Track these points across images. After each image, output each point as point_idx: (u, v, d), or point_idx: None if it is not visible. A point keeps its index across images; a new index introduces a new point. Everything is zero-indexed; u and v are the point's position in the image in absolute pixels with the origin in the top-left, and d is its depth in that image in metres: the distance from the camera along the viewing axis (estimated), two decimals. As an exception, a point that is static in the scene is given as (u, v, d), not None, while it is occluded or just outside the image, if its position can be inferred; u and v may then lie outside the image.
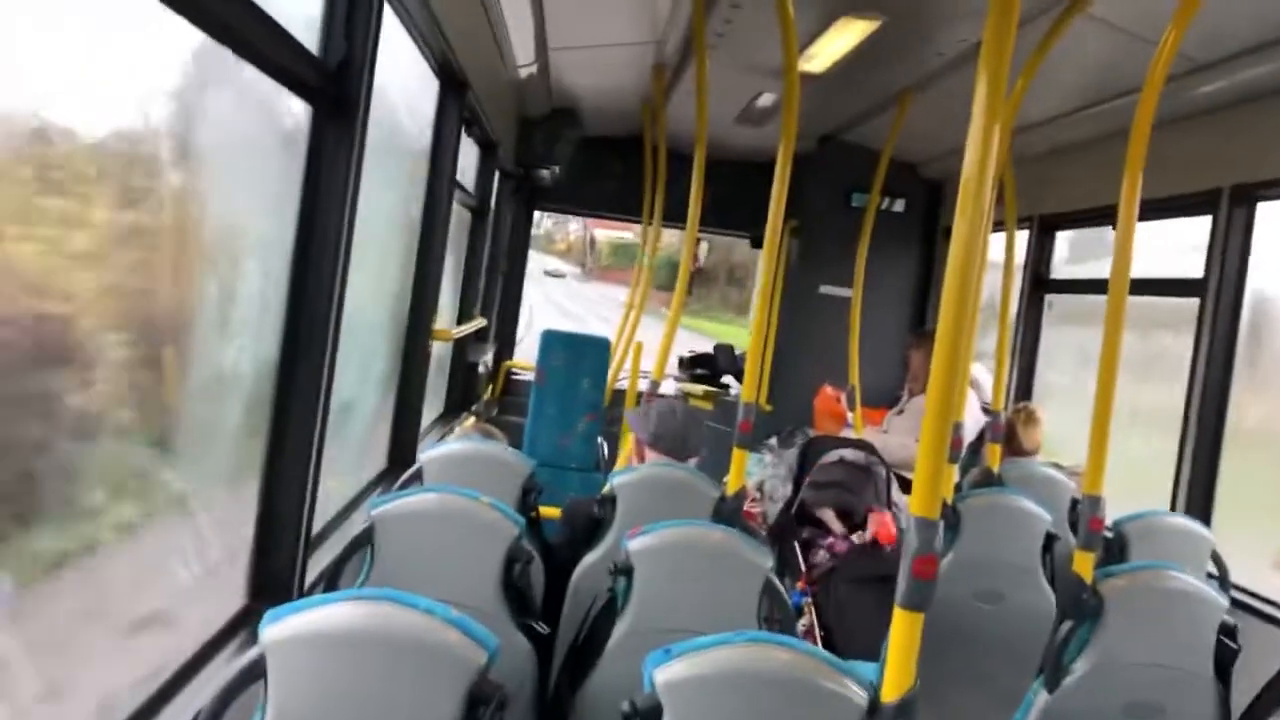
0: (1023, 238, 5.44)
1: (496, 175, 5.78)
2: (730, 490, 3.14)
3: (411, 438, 3.88)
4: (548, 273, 39.90)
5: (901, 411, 5.40)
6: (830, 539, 4.22)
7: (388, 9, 2.41)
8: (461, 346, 5.52)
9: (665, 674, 1.65)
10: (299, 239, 2.24)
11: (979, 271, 3.65)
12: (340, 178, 2.24)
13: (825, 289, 6.83)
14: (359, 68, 2.25)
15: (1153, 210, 3.35)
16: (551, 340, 5.58)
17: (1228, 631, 2.54)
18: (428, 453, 3.08)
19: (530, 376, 5.98)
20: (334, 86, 2.22)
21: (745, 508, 3.90)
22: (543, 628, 2.42)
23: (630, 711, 1.63)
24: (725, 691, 1.66)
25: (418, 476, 3.00)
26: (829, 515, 4.30)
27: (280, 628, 1.54)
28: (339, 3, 2.21)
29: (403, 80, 3.35)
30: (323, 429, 2.36)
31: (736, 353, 7.72)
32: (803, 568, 4.15)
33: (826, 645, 3.82)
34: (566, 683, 2.44)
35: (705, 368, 7.62)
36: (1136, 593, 2.57)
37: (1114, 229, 2.99)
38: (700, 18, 3.83)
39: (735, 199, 6.66)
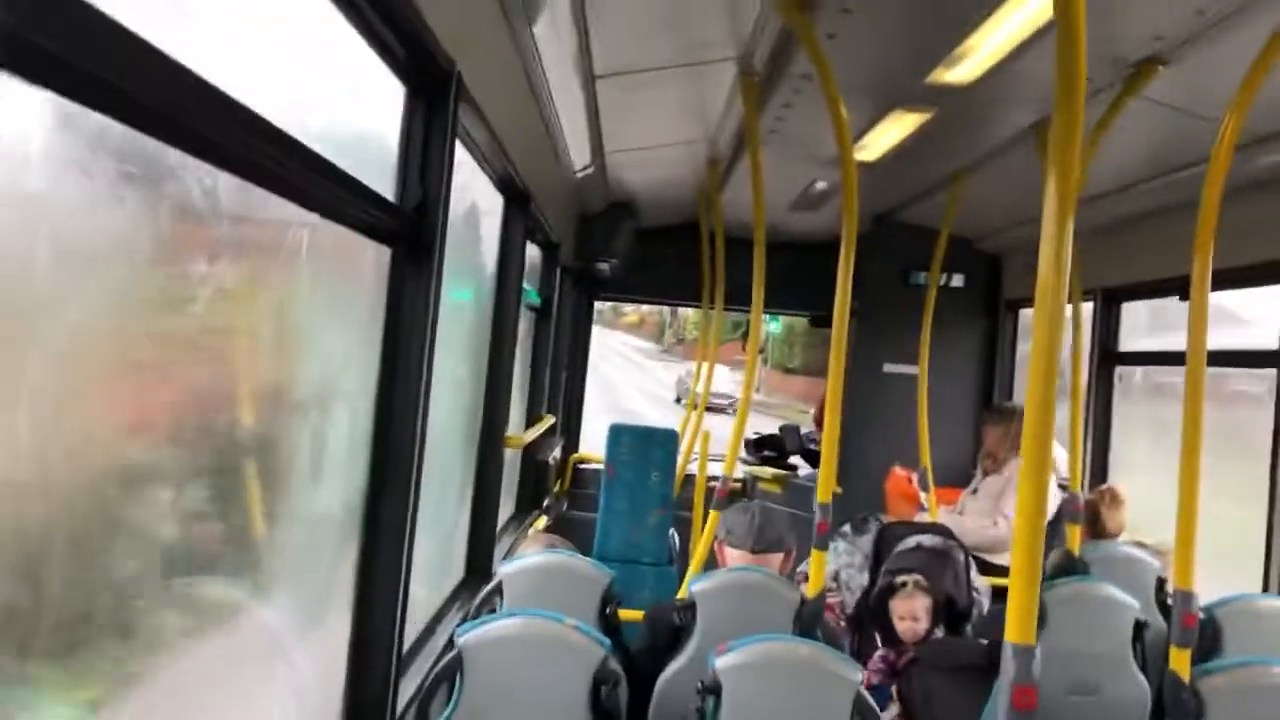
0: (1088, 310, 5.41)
1: (558, 273, 5.90)
2: (810, 593, 3.12)
3: (488, 546, 3.93)
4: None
5: (976, 491, 5.34)
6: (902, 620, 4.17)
7: (459, 145, 2.52)
8: (531, 445, 5.58)
9: None
10: (383, 375, 2.31)
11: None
12: (420, 314, 2.32)
13: (889, 367, 6.81)
14: (435, 208, 2.34)
15: (1224, 281, 3.33)
16: (619, 434, 5.62)
17: None
18: (506, 567, 3.12)
19: (597, 468, 6.02)
20: (412, 229, 2.31)
21: (824, 602, 3.87)
22: None
23: None
24: None
25: (497, 591, 3.04)
26: (904, 597, 4.24)
27: None
28: (414, 149, 2.31)
29: (469, 198, 3.47)
30: (409, 556, 2.41)
31: (802, 432, 7.70)
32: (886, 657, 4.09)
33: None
34: None
35: (772, 449, 7.61)
36: (1237, 690, 2.51)
37: (1180, 299, 2.98)
38: (753, 117, 3.93)
39: (793, 280, 6.70)
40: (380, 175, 2.30)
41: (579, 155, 4.74)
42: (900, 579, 3.97)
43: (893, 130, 4.31)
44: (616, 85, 3.80)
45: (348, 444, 2.24)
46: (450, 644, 2.49)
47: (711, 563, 3.48)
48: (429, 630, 3.16)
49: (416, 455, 2.37)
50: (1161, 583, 3.95)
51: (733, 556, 3.31)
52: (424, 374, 2.36)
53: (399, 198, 2.29)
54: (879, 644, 4.14)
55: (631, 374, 28.75)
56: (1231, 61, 2.88)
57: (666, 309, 34.30)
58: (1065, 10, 1.71)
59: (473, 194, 3.60)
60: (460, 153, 3.01)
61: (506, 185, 3.79)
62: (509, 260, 4.02)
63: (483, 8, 2.59)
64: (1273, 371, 3.99)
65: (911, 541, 4.38)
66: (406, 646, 2.78)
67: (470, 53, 2.48)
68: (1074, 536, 4.30)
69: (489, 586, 3.11)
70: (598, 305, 8.14)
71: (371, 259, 2.28)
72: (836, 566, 4.68)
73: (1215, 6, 2.75)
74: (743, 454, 7.54)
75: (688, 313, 32.66)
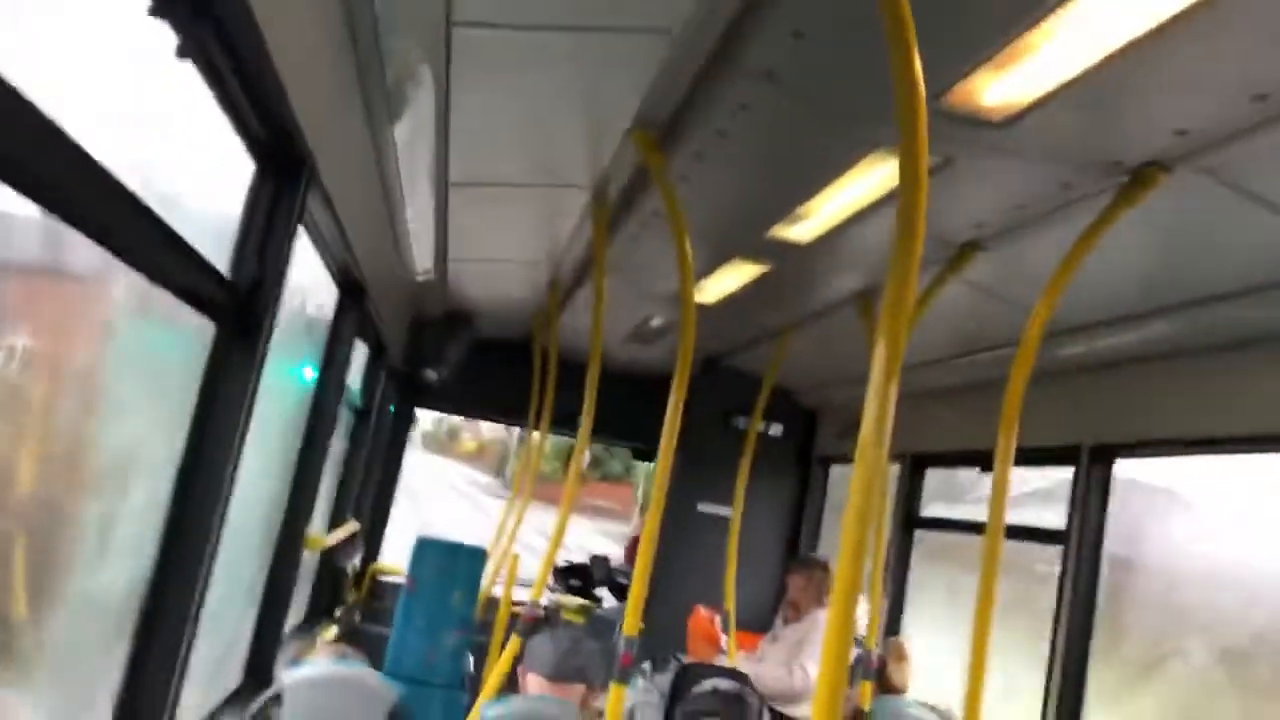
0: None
1: (383, 375, 5.77)
2: (607, 727, 3.05)
3: (272, 650, 3.69)
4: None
5: (776, 639, 5.39)
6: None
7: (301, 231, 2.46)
8: (331, 549, 5.34)
9: None
10: (188, 453, 2.18)
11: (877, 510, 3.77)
12: (238, 396, 2.21)
13: (704, 507, 6.88)
14: (269, 288, 2.27)
15: (1023, 458, 3.54)
16: (425, 547, 5.44)
17: None
18: (289, 674, 2.93)
19: (397, 580, 5.78)
20: (242, 306, 2.22)
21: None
22: None
23: None
24: None
25: (277, 700, 2.84)
26: (700, 746, 4.21)
27: None
28: (255, 227, 2.23)
29: (297, 285, 3.37)
30: (187, 654, 2.24)
31: (611, 565, 7.64)
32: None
33: None
34: None
35: (580, 579, 7.51)
36: None
37: (982, 471, 3.13)
38: (600, 245, 4.00)
39: (621, 411, 6.75)
40: (215, 250, 2.21)
41: (422, 258, 4.70)
42: None
43: (731, 277, 4.46)
44: (469, 195, 3.81)
45: (135, 525, 2.09)
46: None
47: (510, 689, 3.36)
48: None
49: (212, 543, 2.23)
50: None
51: (534, 684, 3.21)
52: (233, 458, 2.24)
53: (233, 273, 2.21)
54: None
55: (464, 512, 24.19)
56: (1044, 255, 3.12)
57: (512, 437, 30.14)
58: (909, 183, 1.81)
59: (306, 284, 3.51)
60: (301, 240, 2.94)
61: (344, 277, 3.71)
62: (335, 354, 3.90)
63: (346, 99, 2.57)
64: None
65: (708, 685, 4.37)
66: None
67: (327, 141, 2.44)
68: (865, 692, 4.37)
69: (268, 693, 2.91)
70: (428, 428, 7.97)
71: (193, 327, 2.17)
72: (632, 704, 4.60)
73: (1035, 205, 2.99)
74: (550, 583, 7.41)
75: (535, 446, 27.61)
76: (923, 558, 5.78)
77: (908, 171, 1.80)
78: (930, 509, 5.80)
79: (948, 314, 4.11)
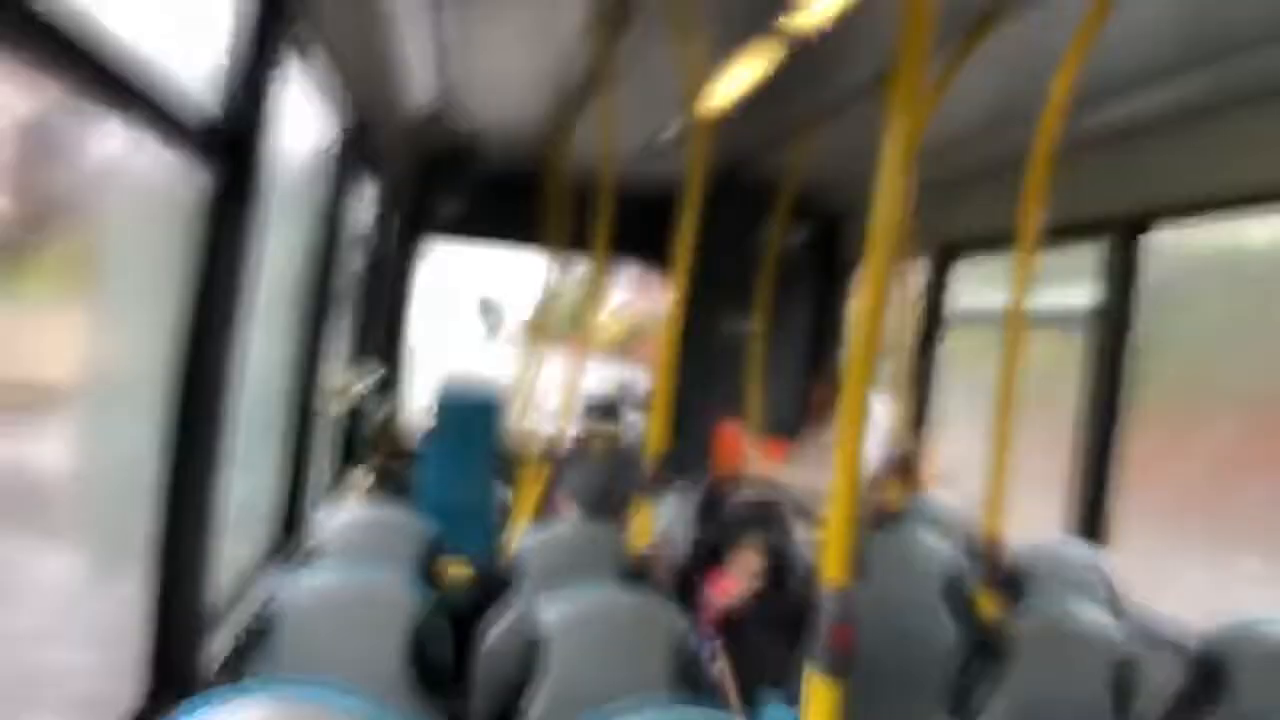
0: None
1: (392, 217, 5.68)
2: (638, 545, 3.11)
3: (306, 501, 3.76)
4: None
5: (805, 446, 5.45)
6: (731, 578, 4.23)
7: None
8: (355, 398, 5.38)
9: None
10: (197, 302, 2.13)
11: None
12: (240, 240, 2.15)
13: (726, 324, 6.86)
14: (262, 126, 2.17)
15: (1052, 237, 3.43)
16: (448, 389, 5.47)
17: (1126, 667, 2.62)
18: (324, 522, 2.98)
19: (424, 423, 5.86)
20: (234, 144, 2.13)
21: (652, 554, 3.88)
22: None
23: None
24: None
25: (315, 546, 2.90)
26: (735, 556, 4.30)
27: None
28: (243, 56, 2.12)
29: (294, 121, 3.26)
30: (214, 507, 2.26)
31: (639, 390, 7.68)
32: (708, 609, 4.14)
33: (742, 686, 3.81)
34: None
35: (608, 409, 7.56)
36: (1044, 634, 2.62)
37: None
38: (604, 56, 3.83)
39: (637, 230, 6.65)
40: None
41: (424, 89, 4.53)
42: (735, 535, 4.02)
43: (741, 74, 4.28)
44: (464, 13, 3.62)
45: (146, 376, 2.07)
46: (265, 600, 2.35)
47: (545, 516, 3.42)
48: (241, 587, 3.00)
49: (225, 399, 2.21)
50: (972, 531, 4.11)
51: (571, 511, 3.27)
52: (236, 313, 2.20)
53: (224, 109, 2.10)
54: (705, 598, 4.19)
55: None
56: (1068, 15, 2.93)
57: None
58: None
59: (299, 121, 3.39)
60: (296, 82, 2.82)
61: (343, 114, 3.58)
62: (339, 195, 3.80)
63: None
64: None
65: (740, 498, 4.44)
66: (218, 603, 2.63)
67: None
68: (892, 489, 4.42)
69: (306, 542, 2.97)
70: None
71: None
72: (664, 521, 4.70)
73: None
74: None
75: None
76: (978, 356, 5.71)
77: None
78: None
79: (970, 91, 3.93)
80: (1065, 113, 2.96)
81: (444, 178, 6.39)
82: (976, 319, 5.52)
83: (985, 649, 2.68)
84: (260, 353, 3.02)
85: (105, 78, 1.59)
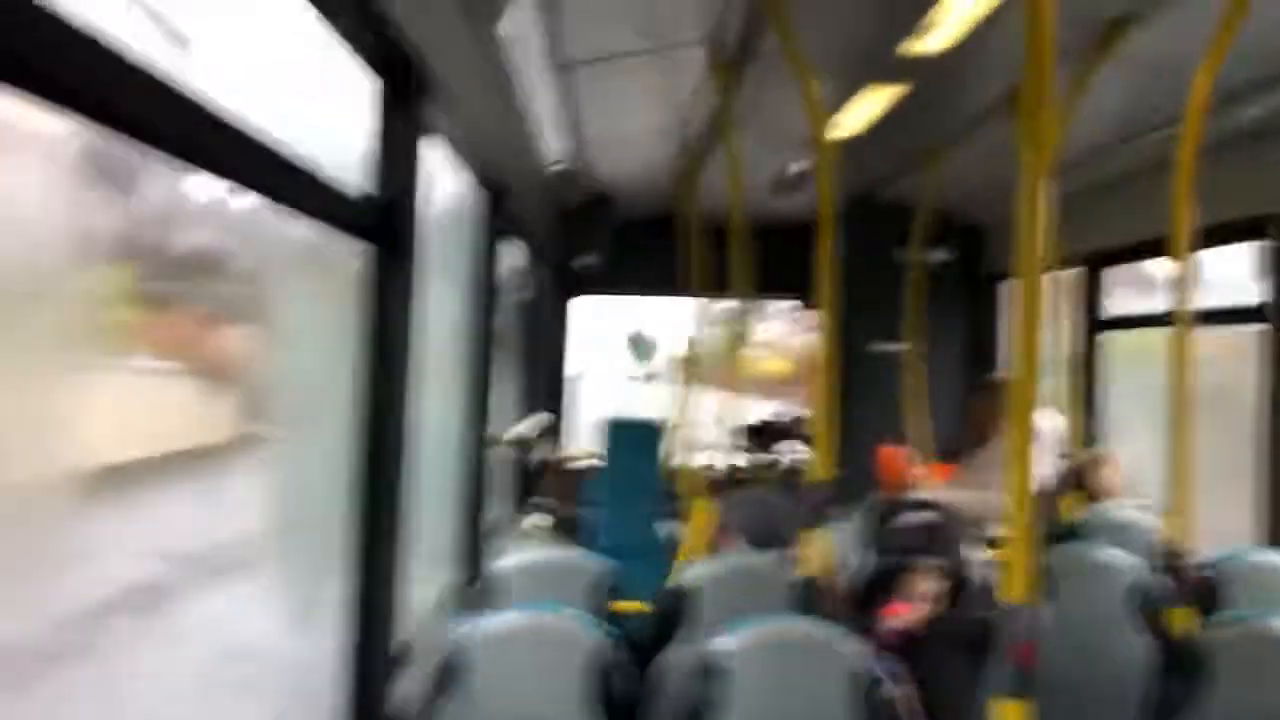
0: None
1: (539, 271, 5.87)
2: (807, 573, 3.11)
3: (475, 545, 3.90)
4: None
5: (970, 465, 5.33)
6: (907, 602, 4.16)
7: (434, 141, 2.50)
8: (520, 443, 5.55)
9: None
10: (369, 375, 2.29)
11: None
12: (400, 308, 2.30)
13: (875, 346, 6.79)
14: (409, 199, 2.32)
15: (1207, 239, 3.31)
16: (613, 427, 5.59)
17: None
18: (500, 564, 3.09)
19: (589, 464, 5.99)
20: (386, 223, 2.28)
21: (823, 583, 3.86)
22: None
23: None
24: None
25: (493, 589, 3.01)
26: (908, 580, 4.23)
27: None
28: (388, 145, 2.28)
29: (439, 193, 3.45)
30: (397, 554, 2.38)
31: (793, 420, 7.67)
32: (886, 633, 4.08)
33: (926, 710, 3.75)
34: None
35: (765, 438, 7.55)
36: (1241, 646, 2.51)
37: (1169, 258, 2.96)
38: (726, 100, 3.90)
39: (775, 265, 6.68)
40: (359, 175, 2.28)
41: (553, 148, 4.71)
42: (908, 559, 3.96)
43: (867, 106, 4.29)
44: (588, 74, 3.78)
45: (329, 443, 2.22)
46: (451, 643, 2.46)
47: (711, 550, 3.46)
48: (428, 631, 3.13)
49: (403, 453, 2.35)
50: (1159, 543, 3.95)
51: (734, 545, 3.30)
52: (405, 371, 2.34)
53: (378, 192, 2.27)
54: (880, 624, 4.13)
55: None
56: (1202, 13, 2.86)
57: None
58: None
59: (448, 191, 3.57)
60: (435, 151, 2.99)
61: (483, 178, 3.77)
62: (489, 257, 3.99)
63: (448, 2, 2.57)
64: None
65: (910, 518, 4.37)
66: (407, 646, 2.76)
67: (438, 45, 2.45)
68: (1070, 503, 4.29)
69: (483, 584, 3.08)
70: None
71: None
72: (833, 546, 4.66)
73: None
74: (744, 441, 7.47)
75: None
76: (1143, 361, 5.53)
77: None
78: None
79: (1106, 98, 3.85)
80: (1209, 112, 2.88)
81: (582, 231, 6.57)
82: (1139, 324, 5.33)
83: (1179, 664, 2.58)
84: (434, 407, 3.18)
85: (283, 175, 1.74)
